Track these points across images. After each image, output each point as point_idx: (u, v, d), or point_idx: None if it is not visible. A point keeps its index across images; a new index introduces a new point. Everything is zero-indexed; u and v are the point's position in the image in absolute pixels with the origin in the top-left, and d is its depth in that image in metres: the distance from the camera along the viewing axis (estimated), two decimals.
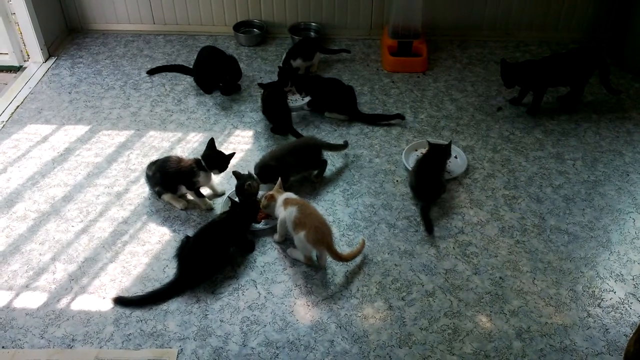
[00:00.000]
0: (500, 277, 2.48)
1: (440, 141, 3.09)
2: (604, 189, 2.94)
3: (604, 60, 3.43)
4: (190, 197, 2.81)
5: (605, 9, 4.11)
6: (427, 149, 2.97)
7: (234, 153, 2.81)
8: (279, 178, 2.68)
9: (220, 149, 2.80)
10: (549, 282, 2.47)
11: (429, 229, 2.67)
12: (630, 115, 3.47)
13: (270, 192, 2.60)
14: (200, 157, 2.73)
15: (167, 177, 2.72)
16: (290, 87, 3.47)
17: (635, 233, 2.69)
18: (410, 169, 3.00)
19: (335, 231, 2.66)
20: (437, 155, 2.89)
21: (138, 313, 2.31)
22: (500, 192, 2.91)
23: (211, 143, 2.77)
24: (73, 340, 2.21)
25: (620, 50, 3.96)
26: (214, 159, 2.73)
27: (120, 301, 2.34)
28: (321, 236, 2.39)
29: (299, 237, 2.42)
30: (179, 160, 2.75)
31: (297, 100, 3.52)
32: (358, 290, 2.42)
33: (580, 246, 2.63)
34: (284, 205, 2.52)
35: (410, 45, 3.91)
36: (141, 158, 3.10)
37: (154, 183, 2.79)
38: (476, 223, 2.74)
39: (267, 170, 2.82)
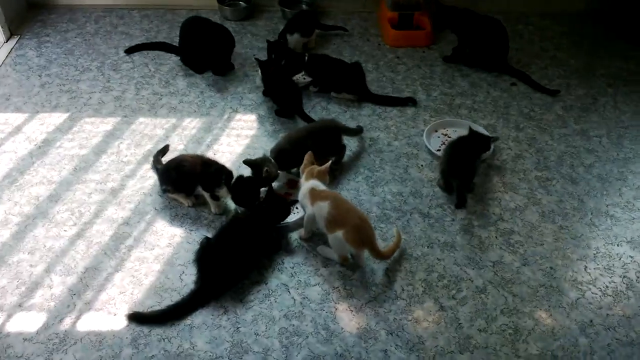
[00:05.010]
0: (551, 267, 2.29)
1: (481, 129, 2.86)
2: (635, 167, 2.79)
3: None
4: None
5: None
6: (467, 133, 2.68)
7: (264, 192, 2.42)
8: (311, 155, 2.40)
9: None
10: (601, 270, 2.29)
11: (460, 203, 2.45)
12: None
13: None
14: (229, 172, 2.40)
15: (186, 179, 2.39)
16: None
17: None
18: (433, 151, 2.76)
19: None
20: (477, 144, 2.62)
21: (159, 330, 1.99)
22: (532, 174, 2.72)
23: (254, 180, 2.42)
24: None
25: (627, 22, 3.83)
26: (243, 195, 2.38)
27: (135, 317, 2.01)
28: (364, 236, 2.12)
29: (336, 236, 2.13)
30: (206, 163, 2.40)
31: (297, 80, 3.19)
32: (403, 290, 2.17)
33: (624, 228, 2.47)
34: (311, 198, 2.23)
35: (412, 18, 3.66)
36: (133, 148, 2.74)
37: (164, 180, 2.44)
38: (514, 208, 2.53)
39: (284, 155, 2.53)
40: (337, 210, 2.14)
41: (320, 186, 2.27)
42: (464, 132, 2.74)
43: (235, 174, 2.42)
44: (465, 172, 2.52)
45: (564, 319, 2.11)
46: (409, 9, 3.63)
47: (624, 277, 2.27)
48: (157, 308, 2.05)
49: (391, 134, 2.92)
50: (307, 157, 2.37)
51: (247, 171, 2.47)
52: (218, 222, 2.40)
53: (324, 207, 2.16)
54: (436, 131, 2.93)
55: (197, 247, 2.23)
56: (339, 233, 2.12)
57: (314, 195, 2.23)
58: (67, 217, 2.38)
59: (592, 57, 3.59)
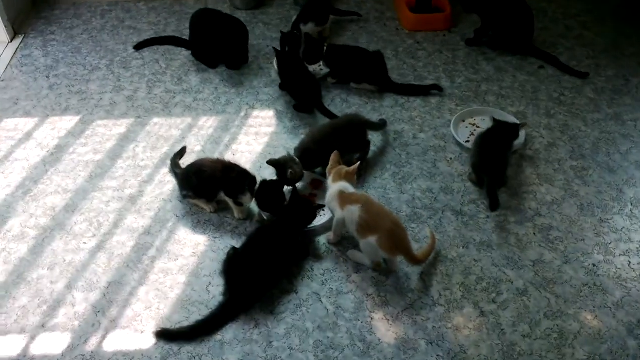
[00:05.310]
0: (594, 264, 2.18)
1: (509, 116, 2.74)
2: None
3: None
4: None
5: None
6: (492, 125, 2.56)
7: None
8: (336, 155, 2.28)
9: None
10: None
11: (494, 205, 2.33)
12: None
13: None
14: (253, 178, 2.28)
15: (207, 185, 2.28)
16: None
17: None
18: (462, 142, 2.64)
19: None
20: (504, 134, 2.50)
21: (189, 348, 1.90)
22: (567, 164, 2.59)
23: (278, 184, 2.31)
24: None
25: None
26: (268, 200, 2.27)
27: (164, 335, 1.92)
28: (398, 241, 2.01)
29: (369, 242, 2.03)
30: (228, 168, 2.28)
31: (314, 71, 3.06)
32: (440, 295, 2.07)
33: None
34: (340, 202, 2.12)
35: (430, 0, 3.50)
36: (149, 151, 2.63)
37: (184, 186, 2.34)
38: (551, 202, 2.42)
39: (309, 154, 2.42)
40: (368, 214, 2.03)
41: (350, 188, 2.15)
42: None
43: (257, 175, 2.32)
44: (497, 166, 2.40)
45: (610, 320, 2.00)
46: None
47: None
48: (185, 323, 1.96)
49: (416, 125, 2.79)
50: (334, 157, 2.26)
51: (268, 172, 2.37)
52: (242, 227, 2.31)
53: (354, 211, 2.06)
54: (463, 121, 2.80)
55: (222, 255, 2.14)
56: (372, 239, 2.01)
57: (344, 198, 2.12)
58: (85, 228, 2.29)
59: (619, 35, 3.43)
